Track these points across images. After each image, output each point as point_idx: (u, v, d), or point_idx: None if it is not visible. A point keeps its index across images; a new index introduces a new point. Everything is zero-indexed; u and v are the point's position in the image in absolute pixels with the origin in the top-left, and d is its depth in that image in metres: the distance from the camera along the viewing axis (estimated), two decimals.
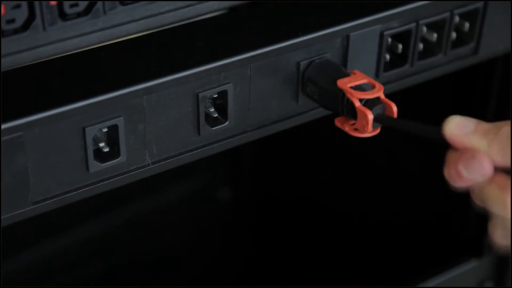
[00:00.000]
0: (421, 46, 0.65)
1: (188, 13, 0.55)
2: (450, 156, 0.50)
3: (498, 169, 0.48)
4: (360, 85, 0.57)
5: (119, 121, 0.54)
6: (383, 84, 0.64)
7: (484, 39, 0.67)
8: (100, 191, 0.56)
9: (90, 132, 0.53)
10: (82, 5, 0.50)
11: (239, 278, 1.04)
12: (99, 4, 0.51)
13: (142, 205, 1.02)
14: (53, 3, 0.48)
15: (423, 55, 0.65)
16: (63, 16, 0.50)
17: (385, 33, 0.62)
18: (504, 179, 0.48)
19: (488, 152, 0.48)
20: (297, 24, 0.59)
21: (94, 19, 0.51)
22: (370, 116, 0.55)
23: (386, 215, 0.92)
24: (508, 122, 0.49)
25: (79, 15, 0.50)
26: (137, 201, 1.02)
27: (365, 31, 0.61)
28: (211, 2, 0.56)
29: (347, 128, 0.57)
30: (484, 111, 0.77)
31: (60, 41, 0.50)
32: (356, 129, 0.56)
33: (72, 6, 0.50)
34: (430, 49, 0.65)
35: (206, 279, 1.03)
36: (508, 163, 0.48)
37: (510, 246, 0.50)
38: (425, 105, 0.84)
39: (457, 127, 0.50)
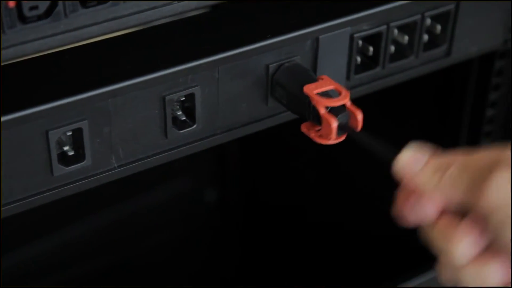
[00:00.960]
0: (392, 48, 0.64)
1: (153, 15, 0.55)
2: (398, 196, 0.50)
3: (446, 211, 0.48)
4: (326, 92, 0.56)
5: (84, 125, 0.54)
6: (355, 86, 0.64)
7: (456, 41, 0.67)
8: (65, 194, 0.56)
9: (54, 135, 0.53)
10: (42, 7, 0.49)
11: (226, 280, 1.04)
12: (60, 6, 0.50)
13: (128, 207, 1.02)
14: (12, 4, 0.48)
15: (395, 57, 0.65)
16: (22, 19, 0.49)
17: (355, 35, 0.62)
18: (448, 224, 0.48)
19: (436, 190, 0.48)
20: (266, 26, 0.59)
21: (55, 22, 0.50)
22: (334, 124, 0.54)
23: (370, 216, 0.92)
24: (458, 156, 0.48)
25: (39, 18, 0.50)
26: (123, 203, 1.02)
27: (335, 33, 0.61)
28: (176, 4, 0.55)
29: (312, 134, 0.56)
30: (460, 110, 0.77)
31: (20, 44, 0.50)
32: (321, 136, 0.56)
33: (31, 8, 0.49)
34: (402, 52, 0.65)
35: (193, 280, 1.02)
36: (453, 203, 0.47)
37: (457, 284, 0.49)
38: (404, 105, 0.84)
39: (408, 162, 0.49)
